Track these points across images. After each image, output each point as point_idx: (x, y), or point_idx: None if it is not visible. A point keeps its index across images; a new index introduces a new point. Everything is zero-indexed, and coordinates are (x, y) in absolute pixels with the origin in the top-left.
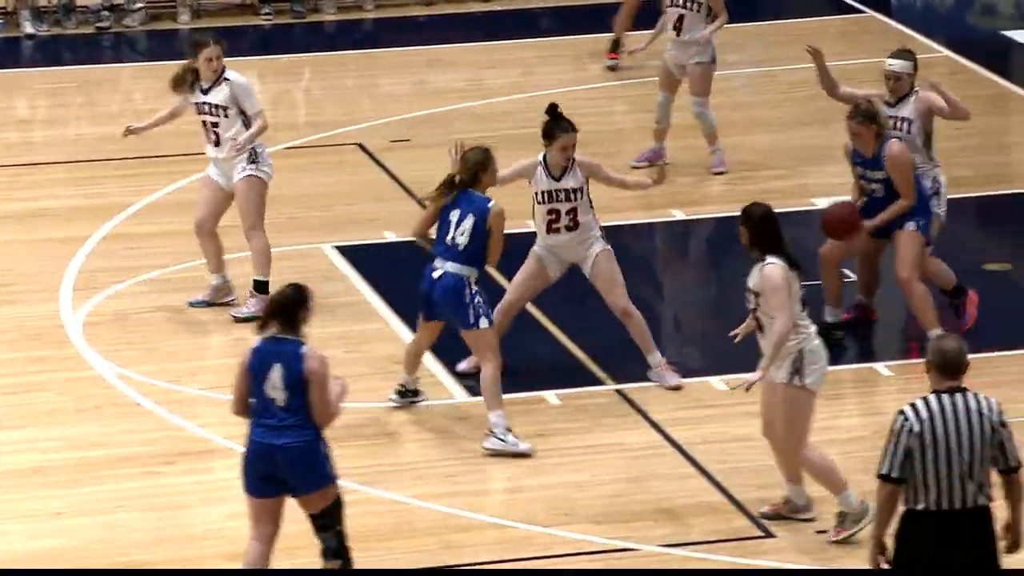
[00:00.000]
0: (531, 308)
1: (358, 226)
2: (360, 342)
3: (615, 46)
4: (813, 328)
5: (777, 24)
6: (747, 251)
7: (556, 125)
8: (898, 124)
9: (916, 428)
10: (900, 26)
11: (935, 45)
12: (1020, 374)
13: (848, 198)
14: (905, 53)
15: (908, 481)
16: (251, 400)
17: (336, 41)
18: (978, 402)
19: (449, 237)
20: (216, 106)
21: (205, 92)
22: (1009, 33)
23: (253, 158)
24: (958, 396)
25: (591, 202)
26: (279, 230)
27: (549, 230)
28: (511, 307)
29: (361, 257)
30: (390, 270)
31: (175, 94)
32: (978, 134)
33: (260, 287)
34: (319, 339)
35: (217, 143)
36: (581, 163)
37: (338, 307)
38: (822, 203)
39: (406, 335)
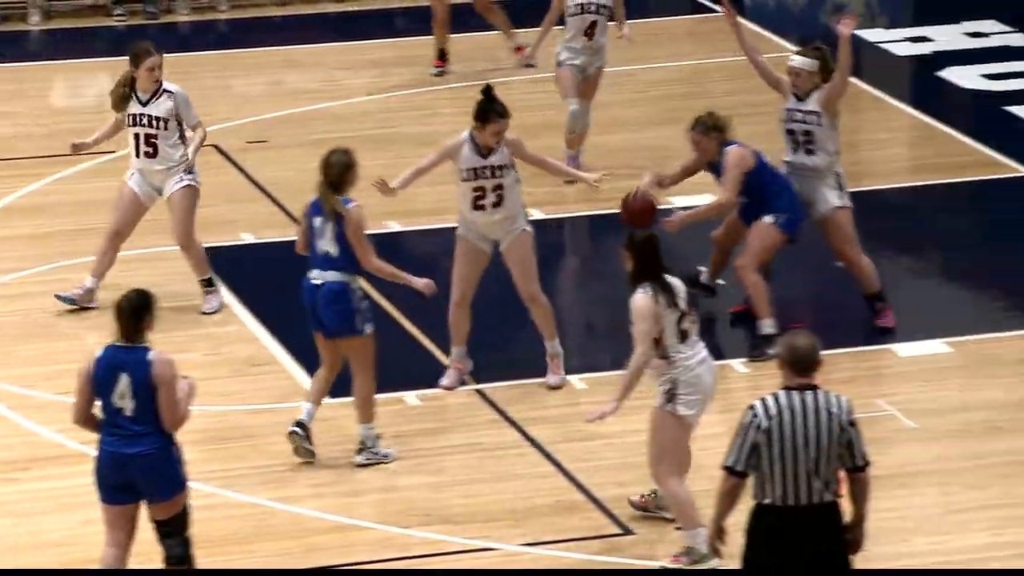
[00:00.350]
0: (389, 307)
1: (216, 228)
2: (220, 344)
3: (442, 54)
4: (698, 357)
5: (632, 24)
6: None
7: (492, 109)
8: (807, 118)
9: (764, 424)
10: (754, 25)
11: (787, 44)
12: (872, 369)
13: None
14: (810, 51)
15: (756, 475)
16: (97, 409)
17: (190, 42)
18: (828, 400)
19: (319, 246)
20: (157, 118)
21: (144, 104)
22: (860, 32)
23: (189, 168)
24: (808, 394)
25: (518, 180)
26: (136, 232)
27: (475, 207)
28: (462, 300)
29: (219, 259)
30: (248, 272)
31: (118, 112)
32: None
33: (210, 283)
34: (179, 342)
35: (154, 154)
36: (507, 141)
37: (197, 309)
38: (679, 202)
39: (264, 336)
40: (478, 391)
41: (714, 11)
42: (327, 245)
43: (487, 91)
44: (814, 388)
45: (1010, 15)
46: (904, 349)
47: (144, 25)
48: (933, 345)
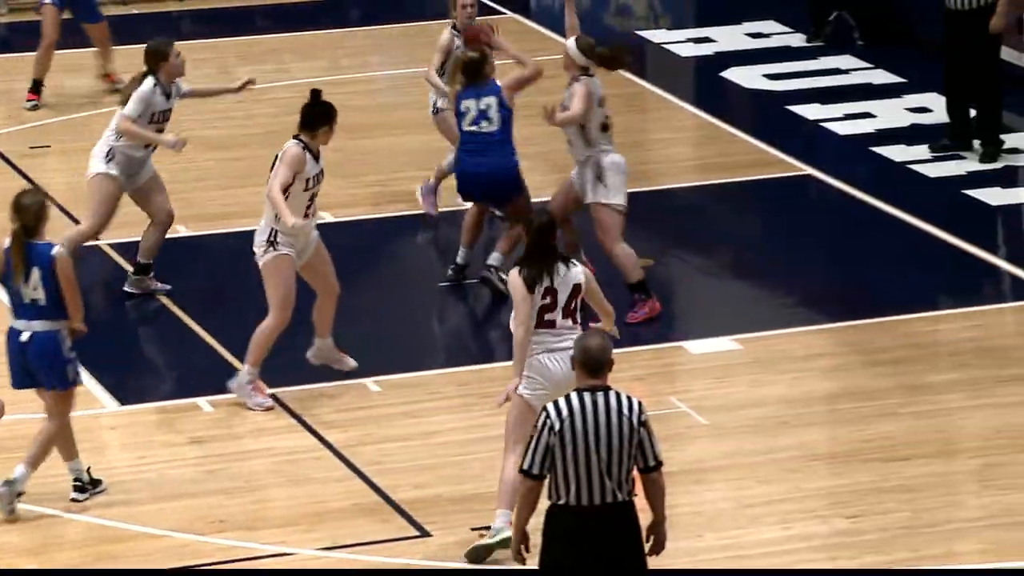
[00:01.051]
0: (181, 313)
1: None
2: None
3: (36, 87)
4: (548, 346)
5: (421, 25)
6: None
7: (327, 112)
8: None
9: (556, 426)
10: (539, 27)
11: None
12: (664, 367)
13: None
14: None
15: (551, 477)
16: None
17: None
18: (619, 401)
19: (25, 295)
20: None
21: (169, 98)
22: (644, 33)
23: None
24: (599, 395)
25: None
26: None
27: (306, 215)
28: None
29: None
30: None
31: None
32: (618, 133)
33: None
34: None
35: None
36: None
37: None
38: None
39: None
40: (272, 395)
41: (500, 12)
42: (32, 293)
43: (315, 95)
44: (606, 389)
45: (789, 16)
46: (695, 347)
47: None
48: (723, 342)
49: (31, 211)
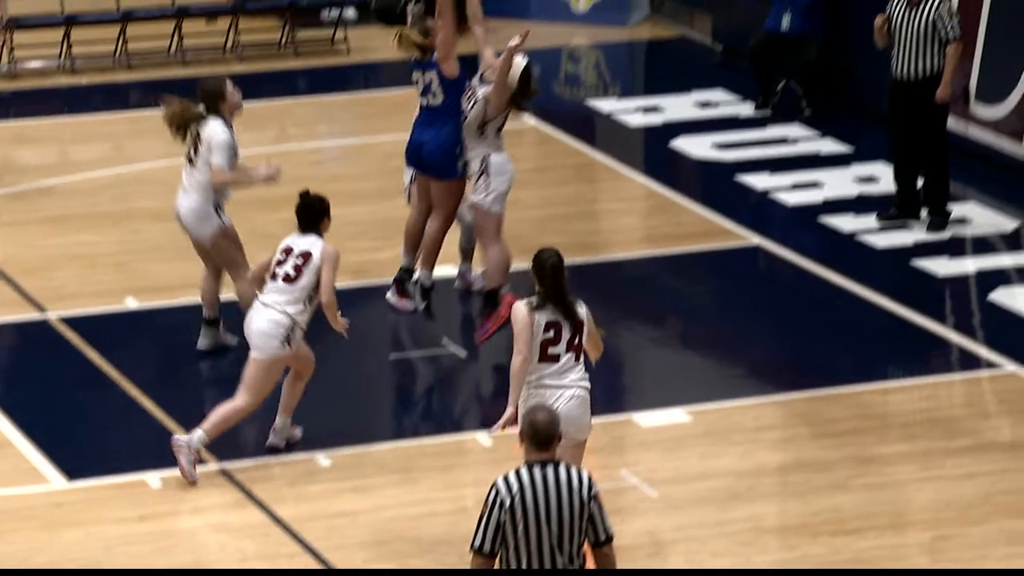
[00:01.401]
0: (127, 384)
1: None
2: None
3: None
4: (547, 378)
5: (368, 95)
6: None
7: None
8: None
9: (507, 502)
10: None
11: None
12: (614, 439)
13: None
14: None
15: (502, 550)
16: None
17: None
18: (569, 475)
19: None
20: None
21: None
22: (593, 102)
23: None
24: (549, 468)
25: None
26: None
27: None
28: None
29: None
30: None
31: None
32: (567, 203)
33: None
34: None
35: None
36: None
37: None
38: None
39: (0, 421)
40: (222, 471)
41: None
42: None
43: (304, 195)
44: (556, 463)
45: (738, 85)
46: (645, 419)
47: None
48: (673, 414)
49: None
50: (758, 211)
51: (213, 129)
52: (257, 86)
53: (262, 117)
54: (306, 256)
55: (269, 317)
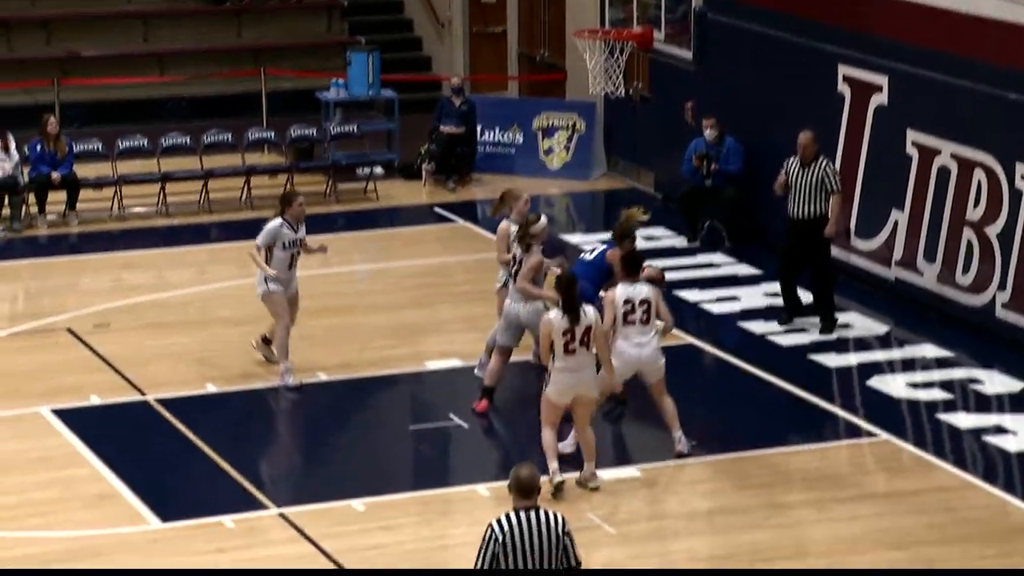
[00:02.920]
0: (207, 449)
1: (69, 393)
2: (73, 482)
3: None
4: (570, 365)
5: (389, 232)
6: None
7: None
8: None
9: (500, 538)
10: (488, 233)
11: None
12: (582, 489)
13: None
14: None
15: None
16: None
17: (48, 250)
18: (547, 517)
19: None
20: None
21: (295, 230)
22: (564, 236)
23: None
24: (532, 512)
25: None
26: (3, 397)
27: (290, 267)
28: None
29: (71, 417)
30: (96, 428)
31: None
32: None
33: None
34: (38, 483)
35: (292, 267)
36: None
37: (53, 457)
38: (431, 365)
39: (110, 476)
40: (281, 514)
41: (454, 221)
42: None
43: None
44: (537, 508)
45: (674, 223)
46: (606, 474)
47: (10, 238)
48: (628, 470)
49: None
50: (692, 317)
51: (271, 222)
52: (307, 225)
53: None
54: None
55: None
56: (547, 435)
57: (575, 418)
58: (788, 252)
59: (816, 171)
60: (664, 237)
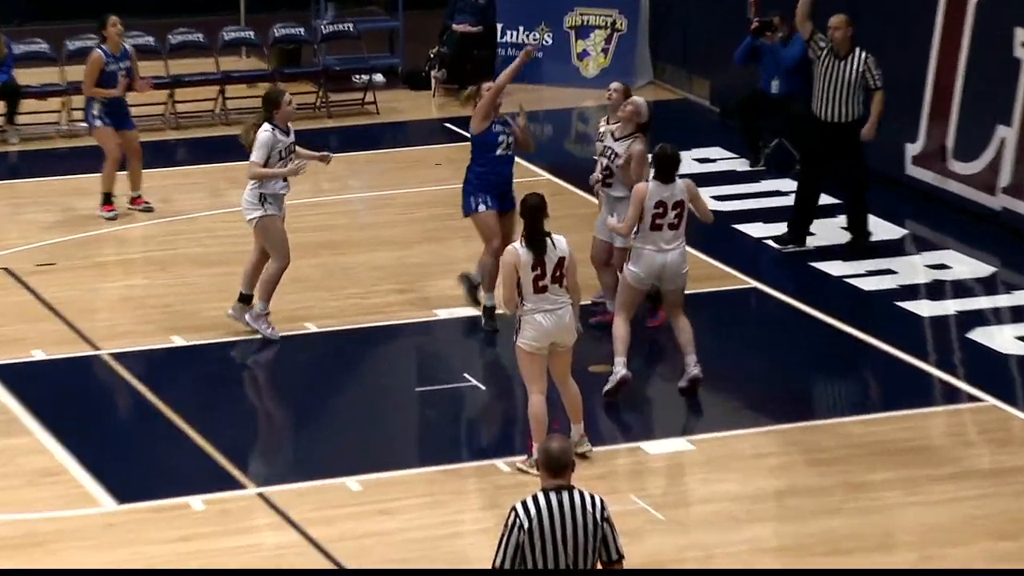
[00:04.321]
0: (175, 417)
1: (7, 346)
2: (13, 455)
3: (107, 198)
4: (543, 307)
5: (391, 152)
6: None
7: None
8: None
9: (526, 524)
10: None
11: (536, 169)
12: (623, 466)
13: None
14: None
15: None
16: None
17: None
18: (583, 499)
19: None
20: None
21: (288, 135)
22: None
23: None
24: (564, 493)
25: None
26: None
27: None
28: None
29: (10, 375)
30: (39, 387)
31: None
32: (579, 248)
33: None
34: None
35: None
36: None
37: None
38: (442, 313)
39: (55, 448)
40: (260, 494)
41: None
42: None
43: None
44: (570, 488)
45: (733, 143)
46: (652, 447)
47: None
48: (677, 443)
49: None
50: (752, 257)
51: (261, 132)
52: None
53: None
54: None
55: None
56: (536, 403)
57: (553, 371)
58: (811, 160)
59: (854, 64)
60: (721, 159)
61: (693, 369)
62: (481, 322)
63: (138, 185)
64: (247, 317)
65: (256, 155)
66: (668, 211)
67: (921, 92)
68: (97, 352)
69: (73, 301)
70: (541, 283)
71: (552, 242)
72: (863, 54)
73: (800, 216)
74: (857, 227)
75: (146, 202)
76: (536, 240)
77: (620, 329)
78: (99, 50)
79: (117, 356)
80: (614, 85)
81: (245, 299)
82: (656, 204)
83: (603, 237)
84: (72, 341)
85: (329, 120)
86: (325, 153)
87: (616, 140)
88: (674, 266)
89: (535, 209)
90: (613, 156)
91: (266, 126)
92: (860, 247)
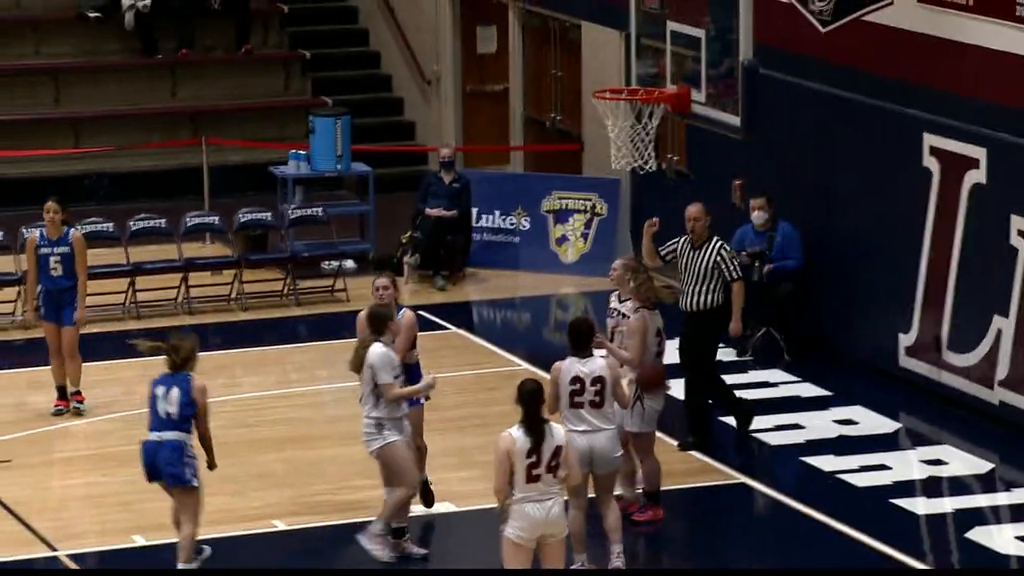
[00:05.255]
0: None
1: None
2: None
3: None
4: (531, 497)
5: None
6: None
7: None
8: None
9: None
10: (482, 341)
11: (514, 358)
12: None
13: None
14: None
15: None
16: None
17: None
18: None
19: (159, 409)
20: None
21: None
22: None
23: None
24: None
25: None
26: None
27: None
28: None
29: None
30: None
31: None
32: None
33: None
34: None
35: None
36: None
37: None
38: (419, 510)
39: None
40: None
41: (445, 328)
42: (169, 408)
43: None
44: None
45: None
46: None
47: None
48: None
49: (183, 352)
50: (742, 451)
51: (378, 350)
52: (260, 333)
53: (265, 363)
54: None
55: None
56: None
57: (545, 565)
58: (684, 351)
59: (708, 254)
60: None
61: (616, 560)
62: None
63: (76, 381)
64: (364, 537)
65: (386, 375)
66: (586, 387)
67: (914, 280)
68: (54, 553)
69: (30, 500)
70: (535, 472)
71: (550, 430)
72: (717, 243)
73: (695, 414)
74: (734, 408)
75: (78, 402)
76: (535, 427)
77: None
78: (36, 230)
79: (75, 557)
80: (615, 264)
81: (397, 533)
82: (572, 380)
83: None
84: (29, 542)
85: (297, 308)
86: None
87: (621, 303)
88: (604, 449)
89: (533, 395)
90: (619, 316)
91: (378, 346)
92: (746, 424)
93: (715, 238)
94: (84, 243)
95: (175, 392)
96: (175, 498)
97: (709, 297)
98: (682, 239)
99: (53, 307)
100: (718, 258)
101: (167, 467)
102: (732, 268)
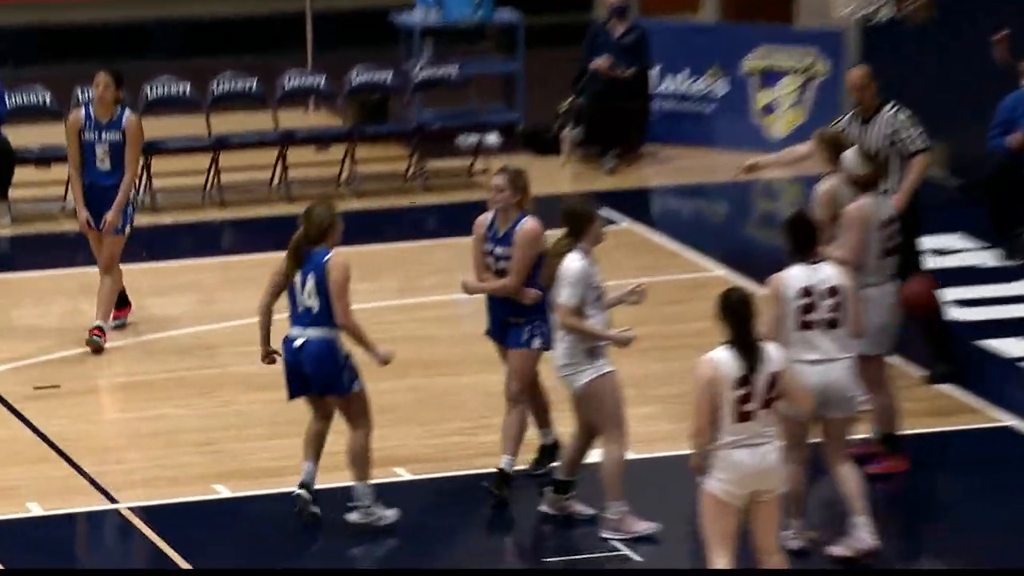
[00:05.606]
0: None
1: None
2: None
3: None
4: (746, 442)
5: None
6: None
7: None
8: None
9: None
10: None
11: (707, 262)
12: None
13: None
14: None
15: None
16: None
17: None
18: None
19: (299, 302)
20: None
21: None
22: None
23: None
24: None
25: None
26: None
27: None
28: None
29: None
30: (34, 553)
31: None
32: None
33: None
34: None
35: None
36: None
37: None
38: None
39: None
40: None
41: (615, 222)
42: (307, 300)
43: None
44: None
45: (981, 228)
46: None
47: None
48: None
49: (316, 222)
50: (1005, 385)
51: (570, 263)
52: (377, 226)
53: (383, 264)
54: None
55: None
56: (720, 564)
57: (755, 531)
58: None
59: (881, 124)
60: (965, 250)
61: (863, 533)
62: (492, 484)
63: (101, 312)
64: (606, 531)
65: (568, 295)
66: (818, 302)
67: None
68: (114, 506)
69: (83, 438)
70: (746, 407)
71: (766, 353)
72: (894, 106)
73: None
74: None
75: (97, 334)
76: (748, 348)
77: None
78: (81, 108)
79: (140, 511)
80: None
81: (562, 487)
82: (801, 292)
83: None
84: (81, 490)
85: (426, 194)
86: (638, 287)
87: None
88: (840, 385)
89: (741, 305)
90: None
91: (575, 255)
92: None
93: (891, 102)
94: (141, 131)
95: (311, 280)
96: (340, 410)
97: (891, 180)
98: (846, 116)
99: (95, 208)
100: (898, 125)
101: (315, 372)
102: (913, 135)
